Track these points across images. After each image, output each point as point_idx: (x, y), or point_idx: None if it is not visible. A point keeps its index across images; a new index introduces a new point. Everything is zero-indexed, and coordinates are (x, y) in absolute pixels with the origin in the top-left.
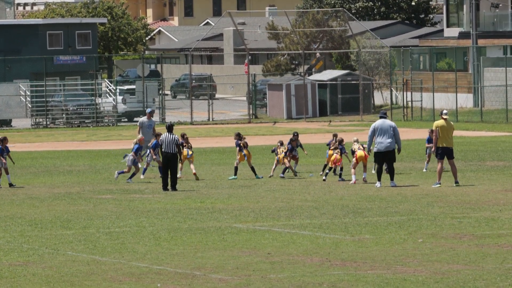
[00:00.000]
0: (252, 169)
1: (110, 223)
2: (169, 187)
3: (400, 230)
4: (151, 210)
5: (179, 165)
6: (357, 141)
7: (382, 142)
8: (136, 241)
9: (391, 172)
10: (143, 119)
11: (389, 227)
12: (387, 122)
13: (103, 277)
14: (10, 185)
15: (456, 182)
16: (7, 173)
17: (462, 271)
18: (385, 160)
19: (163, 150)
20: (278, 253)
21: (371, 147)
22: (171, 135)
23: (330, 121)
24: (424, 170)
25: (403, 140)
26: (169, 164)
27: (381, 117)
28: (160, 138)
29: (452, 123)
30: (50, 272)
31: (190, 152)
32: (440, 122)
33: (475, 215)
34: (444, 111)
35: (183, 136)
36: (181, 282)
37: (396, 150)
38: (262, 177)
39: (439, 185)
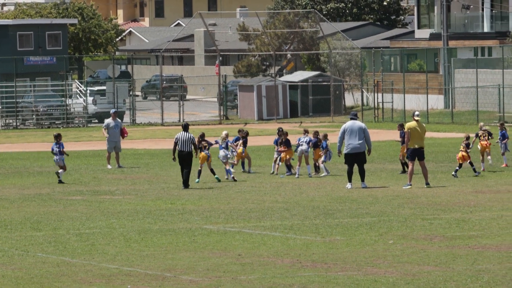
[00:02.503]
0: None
1: (80, 225)
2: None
3: (371, 232)
4: (121, 211)
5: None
6: (481, 128)
7: (352, 143)
8: (106, 242)
9: (361, 173)
10: (109, 120)
11: (360, 229)
12: (357, 123)
13: (73, 279)
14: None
15: (427, 184)
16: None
17: (433, 272)
18: (356, 161)
19: (178, 148)
20: (249, 255)
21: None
22: (187, 134)
23: (301, 122)
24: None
25: (374, 141)
26: (184, 162)
27: (351, 119)
28: (176, 136)
29: (424, 124)
30: (20, 274)
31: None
32: (412, 123)
33: (445, 217)
34: (416, 113)
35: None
36: (151, 284)
37: (366, 152)
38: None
39: (409, 187)
